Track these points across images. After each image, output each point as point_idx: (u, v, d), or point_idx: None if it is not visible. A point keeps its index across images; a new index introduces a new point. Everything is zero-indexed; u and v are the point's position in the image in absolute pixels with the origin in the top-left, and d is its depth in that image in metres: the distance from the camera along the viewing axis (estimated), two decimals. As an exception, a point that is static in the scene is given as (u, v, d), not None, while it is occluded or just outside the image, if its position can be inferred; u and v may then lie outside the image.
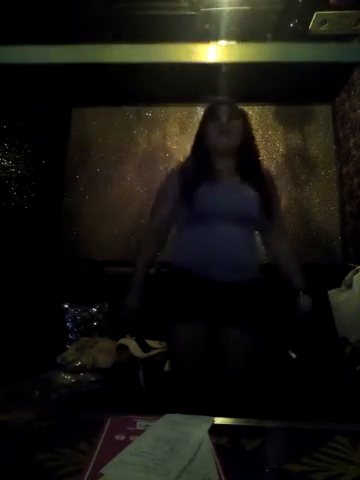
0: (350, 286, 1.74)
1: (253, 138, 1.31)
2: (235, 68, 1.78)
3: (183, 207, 1.23)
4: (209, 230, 1.17)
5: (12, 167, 2.03)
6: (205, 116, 1.31)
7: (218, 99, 1.34)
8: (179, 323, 1.17)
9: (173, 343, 1.22)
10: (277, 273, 1.29)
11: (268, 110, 2.55)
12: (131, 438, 0.55)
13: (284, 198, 2.43)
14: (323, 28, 1.69)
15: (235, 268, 1.16)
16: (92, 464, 0.48)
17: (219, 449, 0.54)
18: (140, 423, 0.61)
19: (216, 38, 1.77)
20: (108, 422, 0.61)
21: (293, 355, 1.67)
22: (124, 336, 1.94)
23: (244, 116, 1.28)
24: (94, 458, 0.49)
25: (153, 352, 1.79)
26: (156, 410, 0.69)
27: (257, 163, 1.30)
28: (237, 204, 1.19)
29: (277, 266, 1.30)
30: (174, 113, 2.59)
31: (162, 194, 1.35)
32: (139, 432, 0.58)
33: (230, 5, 1.67)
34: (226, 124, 1.22)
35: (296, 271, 1.27)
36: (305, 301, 1.21)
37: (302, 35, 1.74)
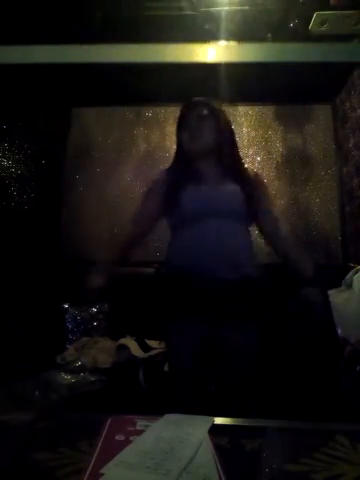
0: (350, 286, 1.74)
1: (230, 134, 1.32)
2: (235, 68, 1.78)
3: (170, 210, 1.25)
4: (199, 229, 1.17)
5: (12, 167, 2.03)
6: (177, 119, 1.35)
7: (190, 101, 1.36)
8: (178, 325, 1.17)
9: (172, 346, 1.22)
10: (284, 263, 1.28)
11: (268, 110, 2.54)
12: (131, 438, 0.55)
13: (284, 198, 2.43)
14: (323, 28, 1.69)
15: (227, 264, 1.15)
16: (92, 464, 0.48)
17: (219, 449, 0.53)
18: (140, 423, 0.61)
19: (216, 38, 1.77)
20: (108, 422, 0.61)
21: None
22: (124, 336, 1.94)
23: (217, 116, 1.29)
24: (94, 458, 0.49)
25: (153, 352, 1.79)
26: (156, 410, 0.69)
27: (237, 158, 1.33)
28: (221, 201, 1.19)
29: (282, 255, 1.29)
30: (174, 113, 2.58)
31: (146, 195, 1.38)
32: (139, 432, 0.58)
33: (230, 5, 1.66)
34: (194, 128, 1.24)
35: (301, 255, 1.28)
36: (311, 296, 1.20)
37: (302, 35, 1.73)
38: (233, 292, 1.14)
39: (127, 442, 0.54)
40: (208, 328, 1.15)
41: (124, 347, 1.82)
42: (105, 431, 0.58)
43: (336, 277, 1.88)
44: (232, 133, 1.33)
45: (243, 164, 1.35)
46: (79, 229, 2.52)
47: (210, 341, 1.16)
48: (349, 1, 1.58)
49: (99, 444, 0.53)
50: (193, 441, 0.55)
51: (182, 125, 1.30)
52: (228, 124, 1.33)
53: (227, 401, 1.14)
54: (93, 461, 0.49)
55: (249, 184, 1.25)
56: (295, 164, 2.48)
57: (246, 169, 1.34)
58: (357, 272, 1.75)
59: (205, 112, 1.27)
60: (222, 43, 1.78)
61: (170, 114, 2.59)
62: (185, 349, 1.16)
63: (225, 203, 1.19)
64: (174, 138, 2.51)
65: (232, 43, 1.78)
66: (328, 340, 1.77)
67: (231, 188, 1.22)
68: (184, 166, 1.29)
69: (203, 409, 0.96)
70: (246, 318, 1.15)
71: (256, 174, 1.38)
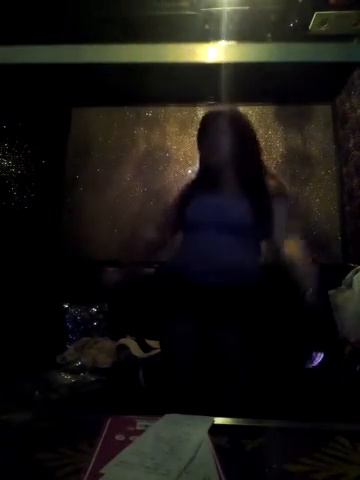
0: (350, 286, 1.74)
1: (251, 144, 1.28)
2: (235, 68, 1.78)
3: (182, 218, 1.26)
4: (203, 238, 1.18)
5: (12, 167, 2.03)
6: (199, 129, 1.32)
7: (211, 110, 1.34)
8: (172, 327, 1.18)
9: (165, 347, 1.23)
10: (285, 275, 1.26)
11: (268, 110, 2.54)
12: (131, 438, 0.55)
13: (284, 198, 2.43)
14: (323, 28, 1.69)
15: (229, 274, 1.15)
16: (92, 464, 0.48)
17: (219, 449, 0.54)
18: (140, 423, 0.61)
19: (216, 38, 1.77)
20: (108, 422, 0.61)
21: None
22: (124, 336, 1.94)
23: (238, 125, 1.25)
24: (94, 458, 0.49)
25: (153, 352, 1.79)
26: (156, 410, 0.69)
27: (258, 168, 1.28)
28: (229, 214, 1.18)
29: (285, 268, 1.26)
30: (174, 113, 2.59)
31: (173, 204, 1.38)
32: (139, 432, 0.58)
33: (230, 5, 1.67)
34: (212, 143, 1.23)
35: (302, 270, 1.19)
36: (310, 298, 1.18)
37: (302, 35, 1.73)
38: (230, 300, 1.14)
39: (127, 442, 0.54)
40: (202, 331, 1.16)
41: (124, 347, 1.82)
42: (105, 431, 0.58)
43: (336, 277, 1.88)
44: (253, 142, 1.29)
45: (264, 174, 1.28)
46: (79, 229, 2.52)
47: (206, 343, 1.16)
48: (349, 1, 1.58)
49: (99, 444, 0.53)
50: (193, 441, 0.55)
51: (202, 136, 1.28)
52: (249, 133, 1.28)
53: (224, 402, 1.14)
54: (93, 461, 0.49)
55: (261, 198, 1.21)
56: (295, 164, 2.48)
57: (266, 180, 1.27)
58: (357, 272, 1.75)
59: (224, 125, 1.23)
60: (222, 43, 1.79)
61: (170, 114, 2.59)
62: (178, 351, 1.17)
63: (233, 216, 1.18)
64: (174, 138, 2.56)
65: (232, 43, 1.78)
66: (328, 340, 1.77)
67: (243, 201, 1.19)
68: (202, 176, 1.31)
69: (204, 409, 0.97)
70: (240, 324, 1.15)
71: (277, 185, 1.30)
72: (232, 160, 1.24)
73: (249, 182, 1.23)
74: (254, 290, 1.19)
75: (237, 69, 1.82)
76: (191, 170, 1.29)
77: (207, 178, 1.28)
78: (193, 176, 1.38)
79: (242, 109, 2.55)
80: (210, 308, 1.15)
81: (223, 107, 1.33)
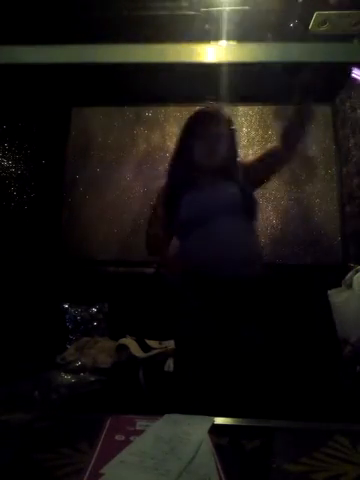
0: (350, 286, 1.74)
1: (236, 140, 1.36)
2: (235, 68, 1.78)
3: (178, 216, 1.26)
4: (207, 230, 1.19)
5: (12, 167, 2.03)
6: (190, 128, 1.34)
7: (204, 109, 1.36)
8: (188, 323, 1.18)
9: (182, 343, 1.23)
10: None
11: (268, 110, 2.54)
12: (131, 438, 0.56)
13: (284, 198, 2.43)
14: (323, 28, 1.68)
15: (237, 263, 1.16)
16: (92, 464, 0.48)
17: (219, 449, 0.54)
18: (140, 423, 0.61)
19: (216, 38, 1.77)
20: (108, 422, 0.61)
21: None
22: (124, 336, 1.94)
23: (230, 125, 1.32)
24: (94, 458, 0.49)
25: (153, 352, 1.79)
26: (156, 410, 0.69)
27: (236, 158, 1.36)
28: (225, 200, 1.22)
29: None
30: (174, 113, 2.59)
31: (157, 208, 1.41)
32: (139, 432, 0.58)
33: (230, 5, 1.67)
34: (212, 144, 1.26)
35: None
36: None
37: (302, 35, 1.73)
38: (244, 289, 1.15)
39: (127, 442, 0.54)
40: (220, 326, 1.16)
41: (124, 347, 1.82)
42: (105, 431, 0.58)
43: (336, 277, 1.88)
44: (237, 139, 1.37)
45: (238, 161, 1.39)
46: (79, 229, 2.52)
47: (222, 340, 1.16)
48: (349, 1, 1.58)
49: (99, 444, 0.53)
50: (193, 441, 0.55)
51: (196, 136, 1.30)
52: (235, 132, 1.37)
53: (235, 401, 1.14)
54: (93, 461, 0.49)
55: (243, 174, 1.28)
56: (295, 164, 2.48)
57: (239, 163, 1.38)
58: (357, 272, 1.75)
59: (223, 128, 1.29)
60: (222, 43, 1.79)
61: (170, 114, 2.59)
62: (196, 349, 1.16)
63: (229, 203, 1.21)
64: (174, 138, 2.55)
65: (232, 43, 1.78)
66: (328, 340, 1.77)
67: (233, 188, 1.24)
68: (190, 172, 1.31)
69: (205, 408, 0.97)
70: (257, 315, 1.16)
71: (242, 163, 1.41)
72: (223, 157, 1.28)
73: (234, 171, 1.29)
74: (262, 277, 1.21)
75: (237, 69, 1.82)
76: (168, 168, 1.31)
77: (197, 174, 1.29)
78: (178, 175, 1.37)
79: (242, 109, 2.56)
80: (225, 300, 1.15)
81: (211, 107, 1.37)
